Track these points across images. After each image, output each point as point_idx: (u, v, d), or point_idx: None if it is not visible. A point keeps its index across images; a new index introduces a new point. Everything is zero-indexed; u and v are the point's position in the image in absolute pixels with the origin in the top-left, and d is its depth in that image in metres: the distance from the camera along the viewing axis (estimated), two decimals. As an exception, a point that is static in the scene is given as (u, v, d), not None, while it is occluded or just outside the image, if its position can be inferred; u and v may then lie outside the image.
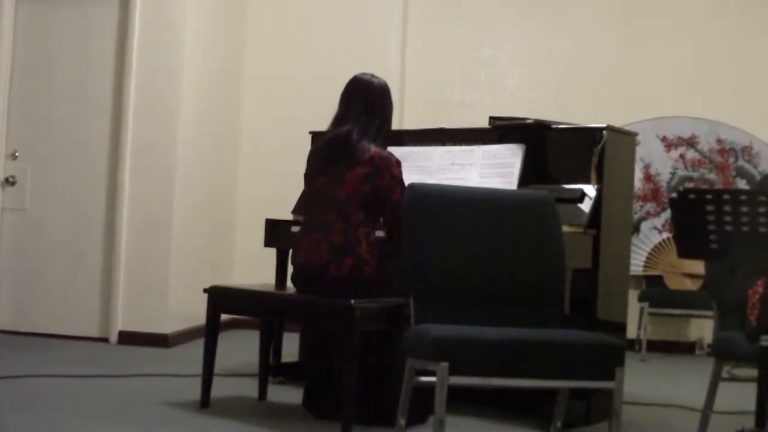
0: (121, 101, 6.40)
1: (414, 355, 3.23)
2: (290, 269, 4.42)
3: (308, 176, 4.32)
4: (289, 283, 4.66)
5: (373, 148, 4.13)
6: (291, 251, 4.53)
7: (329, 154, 4.21)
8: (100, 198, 6.45)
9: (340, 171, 4.13)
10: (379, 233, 4.21)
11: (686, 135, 7.45)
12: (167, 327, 6.33)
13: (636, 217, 7.26)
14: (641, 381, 5.70)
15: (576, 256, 4.22)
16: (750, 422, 3.23)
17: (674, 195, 3.10)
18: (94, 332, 6.39)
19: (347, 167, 4.11)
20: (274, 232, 5.08)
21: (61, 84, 6.52)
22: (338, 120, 4.27)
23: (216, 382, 4.46)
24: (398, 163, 4.15)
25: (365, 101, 4.24)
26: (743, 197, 2.99)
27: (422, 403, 3.92)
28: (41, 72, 6.55)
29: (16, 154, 6.46)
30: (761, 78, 7.48)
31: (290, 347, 5.30)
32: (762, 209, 2.97)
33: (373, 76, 4.34)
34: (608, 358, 3.15)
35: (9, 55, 6.47)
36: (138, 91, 6.39)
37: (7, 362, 5.37)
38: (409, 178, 4.53)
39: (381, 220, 4.17)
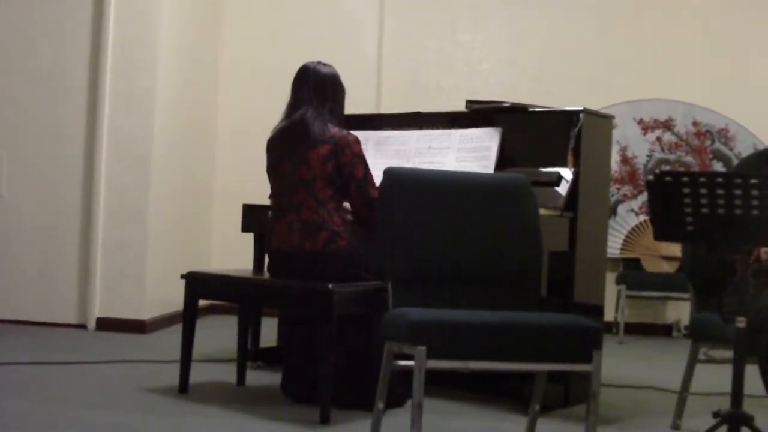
0: (97, 88, 6.34)
1: (392, 339, 3.23)
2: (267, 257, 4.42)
3: (271, 165, 4.35)
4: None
5: (332, 128, 4.19)
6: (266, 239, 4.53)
7: (289, 139, 4.25)
8: (77, 185, 6.40)
9: (301, 153, 4.17)
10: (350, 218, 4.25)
11: (662, 118, 7.46)
12: (145, 313, 6.30)
13: (613, 199, 7.27)
14: (619, 363, 5.73)
15: (553, 239, 4.23)
16: (726, 403, 3.25)
17: (651, 178, 3.11)
18: (72, 319, 6.36)
19: (308, 148, 4.15)
20: (251, 217, 5.08)
21: (36, 70, 6.45)
22: (291, 107, 4.34)
23: (194, 367, 4.45)
24: (357, 141, 4.21)
25: (315, 86, 4.29)
26: (719, 180, 3.00)
27: (400, 386, 3.93)
28: (15, 59, 6.48)
29: (-9, 140, 6.42)
30: (737, 60, 7.50)
31: (268, 332, 5.30)
32: (737, 191, 2.98)
33: (320, 62, 4.40)
34: (585, 341, 3.16)
35: (-18, 40, 6.42)
36: (114, 78, 6.34)
37: (-16, 350, 5.35)
38: (386, 162, 4.53)
39: (348, 201, 4.20)
